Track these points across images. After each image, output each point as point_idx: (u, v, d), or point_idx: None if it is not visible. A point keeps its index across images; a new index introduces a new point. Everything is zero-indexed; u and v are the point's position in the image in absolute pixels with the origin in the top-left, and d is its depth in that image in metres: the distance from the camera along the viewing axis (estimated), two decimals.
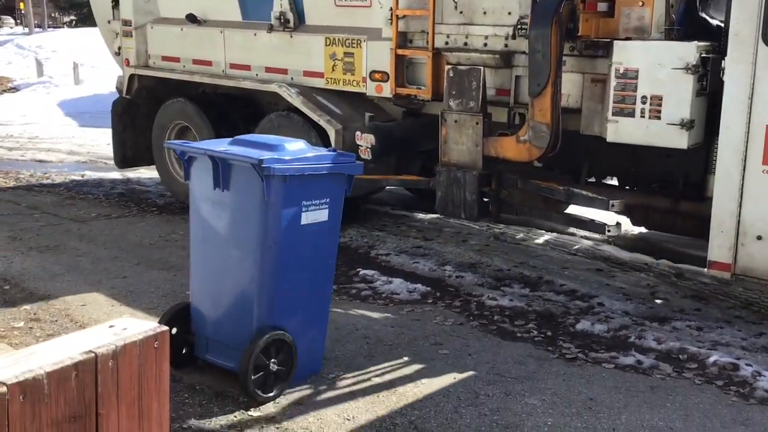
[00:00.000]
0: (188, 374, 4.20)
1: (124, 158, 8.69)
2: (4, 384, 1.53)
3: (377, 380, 4.16)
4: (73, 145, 12.61)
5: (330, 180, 4.07)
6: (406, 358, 4.45)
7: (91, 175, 9.98)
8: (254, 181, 3.83)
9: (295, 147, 4.08)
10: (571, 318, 5.09)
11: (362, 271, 5.97)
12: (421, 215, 7.84)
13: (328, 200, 4.08)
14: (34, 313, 5.06)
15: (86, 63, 21.36)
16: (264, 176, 3.77)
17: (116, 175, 9.98)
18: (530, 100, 5.23)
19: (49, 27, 32.51)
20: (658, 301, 5.50)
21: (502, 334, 4.86)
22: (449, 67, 5.68)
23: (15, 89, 20.08)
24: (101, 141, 13.00)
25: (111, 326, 1.79)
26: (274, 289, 3.94)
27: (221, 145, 4.13)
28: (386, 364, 4.36)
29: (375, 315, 5.14)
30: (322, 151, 4.19)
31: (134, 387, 1.74)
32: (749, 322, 5.13)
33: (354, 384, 4.11)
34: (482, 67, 5.52)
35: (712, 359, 4.41)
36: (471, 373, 4.28)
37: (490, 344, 4.69)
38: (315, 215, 4.04)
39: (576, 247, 6.83)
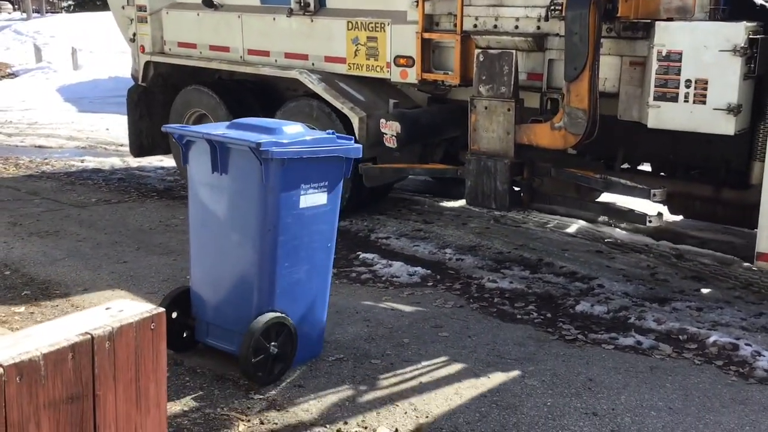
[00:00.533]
0: (189, 358, 4.21)
1: (141, 147, 8.55)
2: (1, 365, 1.54)
3: (377, 363, 4.18)
4: (72, 130, 12.58)
5: (329, 163, 4.06)
6: (406, 341, 4.46)
7: (90, 160, 9.97)
8: (253, 164, 3.82)
9: (294, 130, 4.07)
10: (570, 299, 5.10)
11: (362, 255, 5.98)
12: (419, 198, 7.84)
13: (326, 183, 4.07)
14: (35, 299, 5.07)
15: (85, 48, 21.26)
16: (262, 159, 3.76)
17: (116, 160, 9.97)
18: (566, 85, 5.08)
19: (47, 12, 32.36)
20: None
21: (501, 316, 4.87)
22: (479, 51, 5.54)
23: (13, 75, 20.00)
24: (100, 126, 12.98)
25: (107, 308, 1.79)
26: (274, 273, 3.94)
27: (219, 129, 4.11)
28: (386, 347, 4.37)
29: (375, 298, 5.14)
30: (321, 134, 4.18)
31: (131, 368, 1.74)
32: (749, 302, 5.13)
33: (354, 367, 4.13)
34: (514, 51, 5.38)
35: (711, 339, 4.42)
36: (471, 354, 4.29)
37: (490, 326, 4.70)
38: (314, 198, 4.03)
39: (576, 229, 6.82)
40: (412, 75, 6.27)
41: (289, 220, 3.93)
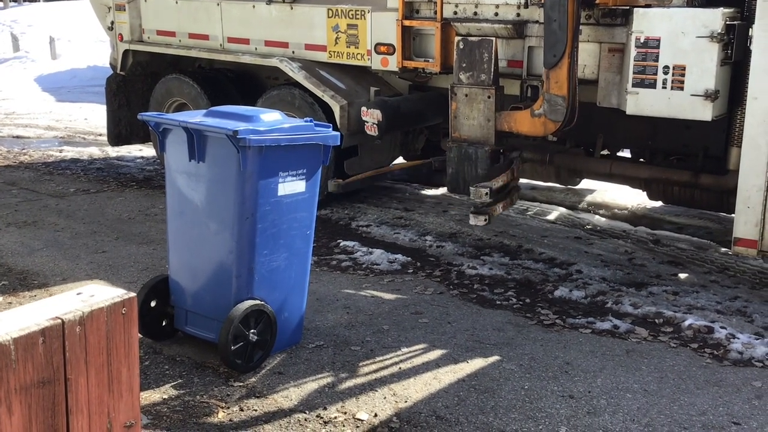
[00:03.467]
0: (168, 346, 4.21)
1: (119, 136, 8.50)
2: None
3: (357, 349, 4.19)
4: (50, 120, 12.46)
5: (307, 151, 4.06)
6: (386, 328, 4.48)
7: (69, 150, 9.88)
8: (230, 152, 3.82)
9: (271, 118, 4.06)
10: (549, 285, 5.14)
11: (343, 243, 5.98)
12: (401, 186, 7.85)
13: (305, 171, 4.07)
14: (13, 288, 5.04)
15: (63, 37, 21.01)
16: (240, 147, 3.75)
17: (95, 150, 9.89)
18: (545, 72, 5.07)
19: (24, 1, 31.92)
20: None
21: (481, 302, 4.91)
22: (459, 38, 5.50)
23: None
24: (79, 116, 12.86)
25: (78, 293, 1.79)
26: (253, 261, 3.94)
27: (196, 117, 4.10)
28: (366, 334, 4.39)
29: (355, 285, 5.16)
30: (299, 122, 4.17)
31: (103, 353, 1.74)
32: (724, 286, 5.20)
33: (334, 353, 4.14)
34: (494, 38, 5.35)
35: (687, 323, 4.48)
36: (450, 340, 4.32)
37: (470, 312, 4.73)
38: (292, 186, 4.03)
39: (555, 215, 6.87)
40: (393, 63, 6.25)
41: (267, 207, 3.93)
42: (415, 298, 4.95)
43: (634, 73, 4.88)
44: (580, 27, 5.08)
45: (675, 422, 3.47)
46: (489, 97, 5.38)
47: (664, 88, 4.79)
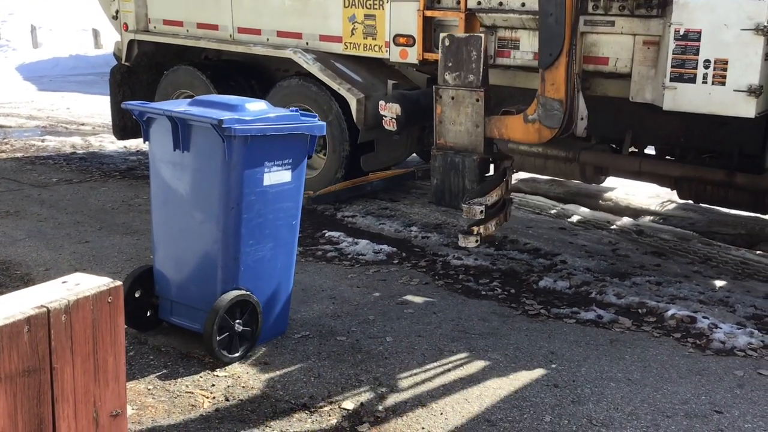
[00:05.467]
0: (153, 336, 4.19)
1: (124, 129, 8.25)
2: None
3: (343, 339, 4.20)
4: (32, 109, 12.33)
5: (292, 140, 4.04)
6: (371, 318, 4.48)
7: (51, 139, 9.79)
8: (215, 142, 3.79)
9: (256, 107, 4.04)
10: (534, 275, 5.17)
11: (328, 233, 5.98)
12: None
13: (291, 161, 4.06)
14: None
15: (44, 26, 20.77)
16: (225, 137, 3.73)
17: (77, 139, 9.80)
18: (540, 73, 4.74)
19: None
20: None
21: (466, 292, 4.92)
22: (444, 35, 5.15)
23: None
24: (61, 105, 12.74)
25: (64, 282, 1.78)
26: (238, 251, 3.93)
27: (181, 106, 4.07)
28: (352, 324, 4.39)
29: (341, 276, 5.16)
30: (284, 112, 4.15)
31: (89, 341, 1.73)
32: (707, 276, 5.25)
33: (320, 344, 4.14)
34: (482, 35, 5.00)
35: (670, 312, 4.52)
36: (436, 330, 4.33)
37: (455, 302, 4.74)
38: (278, 176, 4.02)
39: (540, 206, 6.89)
40: (413, 55, 6.06)
41: (252, 197, 3.91)
42: (401, 288, 4.96)
43: (672, 66, 4.64)
44: (613, 18, 4.83)
45: (658, 411, 3.51)
46: (477, 101, 5.01)
47: (705, 83, 4.56)
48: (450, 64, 5.08)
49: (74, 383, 1.72)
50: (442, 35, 5.22)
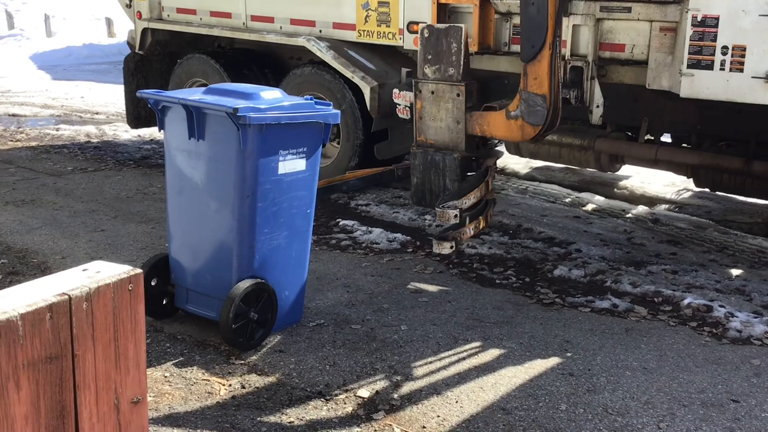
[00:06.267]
0: (169, 324, 4.22)
1: (138, 118, 8.29)
2: None
3: (357, 327, 4.21)
4: (46, 98, 12.39)
5: (307, 129, 4.04)
6: (386, 306, 4.49)
7: (65, 128, 9.83)
8: (230, 130, 3.80)
9: (271, 96, 4.04)
10: (548, 264, 5.15)
11: (342, 222, 5.98)
12: None
13: (305, 149, 4.06)
14: (12, 267, 5.03)
15: (58, 15, 20.85)
16: (240, 125, 3.73)
17: (91, 128, 9.84)
18: (522, 66, 4.55)
19: None
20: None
21: (481, 281, 4.92)
22: (423, 26, 4.91)
23: None
24: (75, 94, 12.79)
25: (84, 269, 1.79)
26: (253, 239, 3.94)
27: (195, 94, 4.07)
28: (366, 312, 4.40)
29: (355, 264, 5.16)
30: (299, 100, 4.15)
31: (109, 329, 1.75)
32: (723, 265, 5.22)
33: (335, 332, 4.15)
34: (463, 26, 4.81)
35: (686, 301, 4.50)
36: (450, 319, 4.33)
37: (470, 291, 4.74)
38: (292, 164, 4.02)
39: (554, 195, 6.87)
40: None
41: (267, 186, 3.92)
42: (415, 277, 4.96)
43: (689, 53, 4.60)
44: (630, 4, 4.72)
45: (674, 399, 3.50)
46: (458, 95, 4.73)
47: (722, 69, 4.52)
48: (429, 57, 4.83)
49: (95, 370, 1.73)
50: (420, 26, 5.01)
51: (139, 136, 9.35)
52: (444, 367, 3.78)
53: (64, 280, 1.73)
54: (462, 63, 4.70)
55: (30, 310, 1.59)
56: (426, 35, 4.81)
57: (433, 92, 4.82)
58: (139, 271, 1.83)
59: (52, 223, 5.94)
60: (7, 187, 6.97)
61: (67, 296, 1.67)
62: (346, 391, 3.56)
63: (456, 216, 4.41)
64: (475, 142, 4.86)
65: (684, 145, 5.92)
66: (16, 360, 1.58)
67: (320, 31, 6.73)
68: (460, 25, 4.84)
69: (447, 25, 4.88)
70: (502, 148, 6.55)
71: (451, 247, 4.47)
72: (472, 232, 4.70)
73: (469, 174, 4.89)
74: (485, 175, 4.84)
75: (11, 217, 6.10)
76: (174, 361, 3.83)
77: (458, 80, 4.71)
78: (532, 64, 4.47)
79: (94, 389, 1.74)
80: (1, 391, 1.58)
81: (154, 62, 8.21)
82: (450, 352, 3.93)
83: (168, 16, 7.87)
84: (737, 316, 4.30)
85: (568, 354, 3.92)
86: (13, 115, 10.90)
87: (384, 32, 6.33)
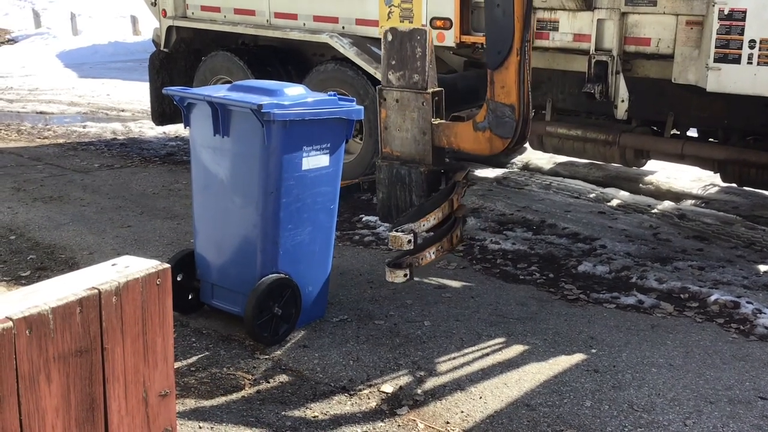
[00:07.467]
0: (194, 319, 4.26)
1: (163, 115, 8.32)
2: (11, 319, 1.56)
3: (381, 323, 4.22)
4: (73, 96, 12.55)
5: (331, 125, 4.06)
6: (409, 302, 4.49)
7: (92, 125, 9.96)
8: (254, 126, 3.82)
9: (295, 92, 4.06)
10: (573, 260, 5.12)
11: (365, 218, 5.99)
12: None
13: (329, 145, 4.08)
14: (41, 262, 5.11)
15: (84, 13, 21.10)
16: (264, 122, 3.76)
17: (117, 125, 9.95)
18: (489, 74, 4.15)
19: None
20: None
21: (504, 276, 4.90)
22: (386, 29, 4.46)
23: (13, 41, 19.86)
24: (101, 92, 12.94)
25: (113, 264, 1.82)
26: (277, 235, 3.96)
27: (220, 91, 4.11)
28: (390, 308, 4.41)
29: (378, 260, 5.17)
30: (323, 96, 4.16)
31: (138, 323, 1.77)
32: (751, 261, 5.15)
33: (358, 327, 4.17)
34: (427, 29, 4.35)
35: (713, 298, 4.45)
36: (474, 314, 4.33)
37: (493, 287, 4.73)
38: (316, 160, 4.04)
39: (578, 190, 6.82)
40: (450, 38, 5.99)
41: (291, 182, 3.94)
42: (438, 272, 4.96)
43: (716, 47, 4.56)
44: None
45: (701, 397, 3.46)
46: (424, 104, 4.33)
47: (750, 63, 4.48)
48: (393, 63, 4.39)
49: (124, 363, 1.76)
50: (384, 29, 4.61)
51: (164, 132, 9.44)
52: (467, 363, 3.78)
53: (94, 275, 1.76)
54: (427, 69, 4.29)
55: (61, 304, 1.62)
56: (389, 39, 4.39)
57: (397, 100, 4.43)
58: (166, 265, 1.85)
59: (79, 219, 6.02)
60: (35, 183, 7.08)
61: (96, 290, 1.69)
62: (370, 386, 3.57)
63: (410, 241, 3.97)
64: (444, 154, 4.49)
65: (710, 139, 5.85)
66: (47, 353, 1.61)
67: (343, 27, 6.75)
68: (423, 28, 4.44)
69: (411, 27, 4.49)
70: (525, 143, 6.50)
71: (405, 275, 4.01)
72: (433, 256, 4.21)
73: (437, 190, 4.48)
74: (451, 191, 4.38)
75: (39, 213, 6.19)
76: (199, 356, 3.87)
77: (423, 88, 4.33)
78: (499, 72, 4.09)
79: (123, 382, 1.77)
80: (32, 384, 1.61)
81: (179, 60, 8.28)
82: (473, 348, 3.93)
83: (192, 14, 7.94)
84: (765, 313, 4.25)
85: (593, 350, 3.89)
86: (41, 113, 11.05)
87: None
